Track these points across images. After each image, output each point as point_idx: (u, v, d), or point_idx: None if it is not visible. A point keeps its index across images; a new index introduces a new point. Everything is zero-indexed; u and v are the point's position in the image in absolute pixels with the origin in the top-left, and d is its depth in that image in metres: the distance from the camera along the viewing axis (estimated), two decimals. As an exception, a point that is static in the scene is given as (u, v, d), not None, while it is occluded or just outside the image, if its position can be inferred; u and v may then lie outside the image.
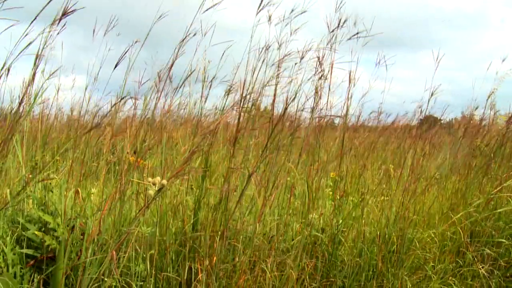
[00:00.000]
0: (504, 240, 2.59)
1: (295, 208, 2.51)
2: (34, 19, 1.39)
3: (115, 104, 1.72)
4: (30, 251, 1.87)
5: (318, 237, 2.37)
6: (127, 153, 1.81)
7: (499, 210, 2.69)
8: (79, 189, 2.01)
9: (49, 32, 1.58)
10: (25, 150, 2.15)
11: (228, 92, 2.10)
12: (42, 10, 1.39)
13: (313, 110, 2.26)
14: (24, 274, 1.83)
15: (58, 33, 1.60)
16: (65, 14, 1.46)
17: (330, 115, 2.31)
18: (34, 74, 1.69)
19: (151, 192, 1.55)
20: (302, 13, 2.01)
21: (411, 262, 2.41)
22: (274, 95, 2.13)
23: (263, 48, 2.03)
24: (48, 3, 1.38)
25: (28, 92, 1.75)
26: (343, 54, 2.26)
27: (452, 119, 3.46)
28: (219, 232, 1.94)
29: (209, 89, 2.16)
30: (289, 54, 2.04)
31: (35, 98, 1.86)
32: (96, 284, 1.77)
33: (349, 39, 2.14)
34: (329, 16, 2.20)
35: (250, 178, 1.87)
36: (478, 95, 3.09)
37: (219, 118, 1.99)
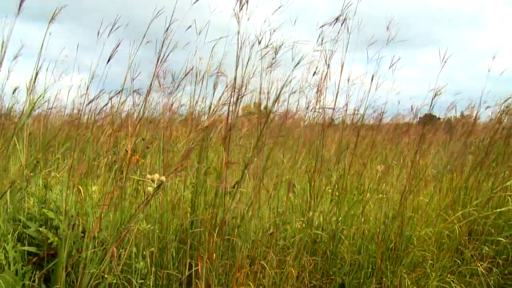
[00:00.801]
0: (503, 239, 2.60)
1: (295, 206, 2.52)
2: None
3: (111, 98, 1.73)
4: (31, 249, 1.89)
5: (318, 235, 2.38)
6: (126, 150, 1.83)
7: (499, 210, 2.70)
8: (80, 187, 2.03)
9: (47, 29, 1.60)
10: (26, 149, 2.16)
11: (215, 86, 2.11)
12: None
13: (308, 107, 2.28)
14: (25, 271, 1.84)
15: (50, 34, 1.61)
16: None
17: (325, 107, 2.32)
18: (36, 74, 1.71)
19: (150, 188, 1.56)
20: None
21: (410, 259, 2.42)
22: (263, 92, 2.14)
23: (256, 43, 2.03)
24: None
25: (30, 91, 1.76)
26: (342, 53, 2.28)
27: (451, 117, 3.47)
28: (217, 228, 1.96)
29: (203, 85, 2.17)
30: (283, 46, 2.05)
31: (37, 98, 1.88)
32: (96, 281, 1.78)
33: (349, 33, 2.14)
34: (329, 15, 2.21)
35: (246, 169, 1.89)
36: (478, 94, 3.11)
37: (211, 115, 2.00)
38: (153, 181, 1.61)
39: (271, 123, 2.10)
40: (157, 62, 1.75)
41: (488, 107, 3.08)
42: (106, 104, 1.85)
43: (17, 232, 1.89)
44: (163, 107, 2.25)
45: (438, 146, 3.33)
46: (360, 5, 2.18)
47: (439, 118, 3.80)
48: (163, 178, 1.57)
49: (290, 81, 2.10)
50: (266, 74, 2.12)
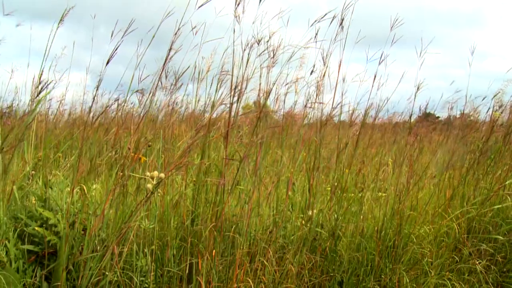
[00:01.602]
0: (500, 237, 2.61)
1: (294, 203, 2.54)
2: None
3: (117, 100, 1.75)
4: (31, 247, 1.90)
5: (318, 232, 2.39)
6: (129, 148, 1.84)
7: (496, 207, 2.71)
8: (83, 186, 2.04)
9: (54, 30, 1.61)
10: (32, 148, 2.18)
11: (218, 85, 2.12)
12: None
13: (306, 105, 2.30)
14: (26, 268, 1.86)
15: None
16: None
17: (320, 102, 2.33)
18: (41, 74, 1.73)
19: (150, 186, 1.58)
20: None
21: (409, 257, 2.44)
22: (262, 90, 2.16)
23: (253, 42, 2.05)
24: None
25: (34, 91, 1.78)
26: (341, 52, 2.29)
27: (450, 116, 3.48)
28: (217, 225, 1.97)
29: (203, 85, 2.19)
30: (280, 46, 2.07)
31: (42, 97, 1.89)
32: (97, 279, 1.79)
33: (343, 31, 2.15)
34: (329, 15, 2.22)
35: (242, 162, 1.91)
36: (477, 93, 3.12)
37: (212, 113, 2.02)
38: (152, 178, 1.62)
39: (271, 120, 2.12)
40: (164, 62, 1.77)
41: (487, 105, 3.10)
42: (111, 104, 1.87)
43: (18, 230, 1.90)
44: (165, 106, 2.27)
45: (437, 145, 3.34)
46: (360, 5, 2.20)
47: (438, 117, 3.81)
48: (162, 175, 1.58)
49: (296, 81, 2.13)
50: (267, 72, 2.14)
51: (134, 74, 1.75)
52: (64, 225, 1.87)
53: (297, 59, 2.24)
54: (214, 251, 1.96)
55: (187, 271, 2.00)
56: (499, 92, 3.03)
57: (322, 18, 2.10)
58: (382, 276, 2.39)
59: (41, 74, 1.73)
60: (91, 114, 2.01)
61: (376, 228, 2.46)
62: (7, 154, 1.79)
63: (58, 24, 1.62)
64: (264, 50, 2.09)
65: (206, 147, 2.12)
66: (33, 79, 1.95)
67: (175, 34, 1.72)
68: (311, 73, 2.30)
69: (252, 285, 1.98)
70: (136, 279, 1.89)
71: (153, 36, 1.66)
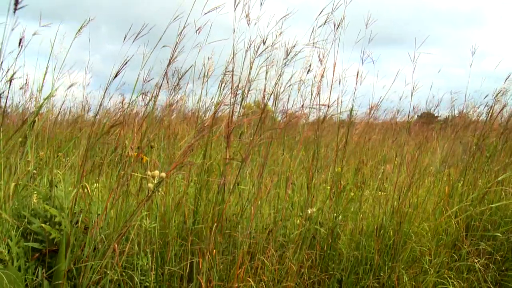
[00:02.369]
0: (499, 234, 2.62)
1: (294, 202, 2.55)
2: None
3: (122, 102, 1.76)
4: (35, 245, 1.91)
5: (317, 231, 2.41)
6: (131, 147, 1.86)
7: (494, 205, 2.73)
8: (87, 184, 2.06)
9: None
10: (34, 148, 2.19)
11: (220, 86, 2.14)
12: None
13: (303, 105, 2.31)
14: (28, 267, 1.87)
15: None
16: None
17: (323, 104, 2.35)
18: (45, 74, 1.75)
19: (151, 185, 1.60)
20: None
21: (408, 255, 2.45)
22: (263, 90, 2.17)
23: (253, 43, 2.06)
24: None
25: (38, 91, 1.80)
26: (339, 52, 2.31)
27: (449, 115, 3.50)
28: (217, 224, 1.99)
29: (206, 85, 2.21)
30: (275, 45, 2.08)
31: (47, 96, 1.91)
32: (98, 277, 1.81)
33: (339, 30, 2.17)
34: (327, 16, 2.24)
35: (243, 162, 1.92)
36: (477, 93, 3.14)
37: (214, 113, 2.04)
38: (153, 177, 1.64)
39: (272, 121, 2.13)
40: (168, 63, 1.78)
41: (485, 105, 3.11)
42: (117, 104, 1.88)
43: (21, 228, 1.91)
44: (168, 106, 2.29)
45: (436, 144, 3.36)
46: (360, 5, 2.22)
47: (437, 116, 3.83)
48: (163, 174, 1.60)
49: (302, 82, 2.14)
50: (278, 74, 2.16)
51: (144, 75, 1.77)
52: (67, 223, 1.89)
53: (301, 59, 2.26)
54: (214, 250, 1.98)
55: (187, 270, 2.01)
56: (501, 91, 3.03)
57: (321, 17, 2.12)
58: (381, 274, 2.41)
59: (45, 74, 1.74)
60: (97, 116, 2.03)
61: (375, 227, 2.48)
62: (12, 154, 1.81)
63: (76, 35, 1.65)
64: (265, 49, 2.10)
65: (208, 147, 2.13)
66: (33, 79, 1.97)
67: (179, 34, 1.73)
68: (307, 72, 2.32)
69: (252, 284, 1.99)
70: (136, 278, 1.90)
71: (160, 39, 1.68)
